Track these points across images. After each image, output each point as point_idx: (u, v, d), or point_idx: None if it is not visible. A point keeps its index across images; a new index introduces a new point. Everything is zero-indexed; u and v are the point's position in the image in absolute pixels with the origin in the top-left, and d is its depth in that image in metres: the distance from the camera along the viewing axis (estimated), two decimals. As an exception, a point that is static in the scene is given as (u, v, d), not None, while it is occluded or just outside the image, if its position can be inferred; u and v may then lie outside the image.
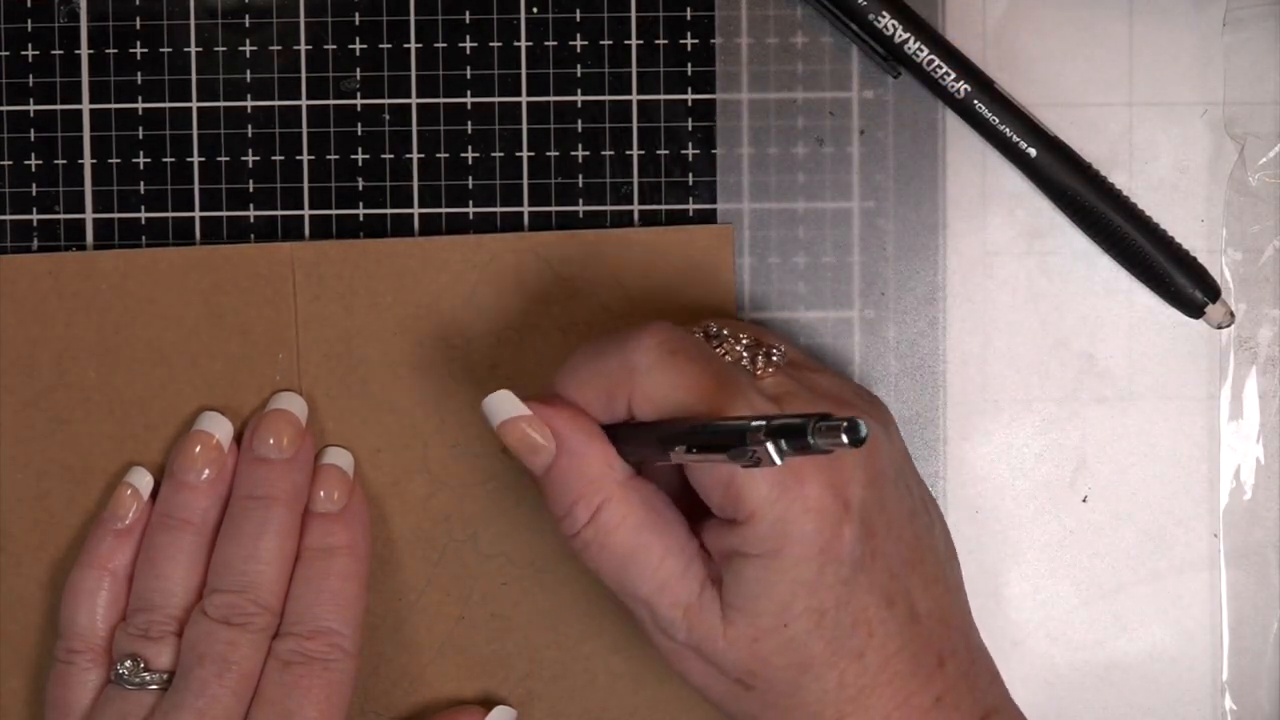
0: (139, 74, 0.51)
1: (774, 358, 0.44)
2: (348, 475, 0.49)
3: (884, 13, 0.48)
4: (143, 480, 0.49)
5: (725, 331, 0.44)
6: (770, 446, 0.36)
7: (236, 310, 0.50)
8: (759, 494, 0.40)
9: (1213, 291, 0.49)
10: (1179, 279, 0.49)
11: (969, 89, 0.48)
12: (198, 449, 0.48)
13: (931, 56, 0.48)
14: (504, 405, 0.43)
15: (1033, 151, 0.48)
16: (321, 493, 0.49)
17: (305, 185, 0.51)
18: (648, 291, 0.49)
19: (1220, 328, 0.49)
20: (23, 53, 0.51)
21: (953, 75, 0.48)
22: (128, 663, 0.47)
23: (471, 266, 0.50)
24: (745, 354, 0.44)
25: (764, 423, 0.37)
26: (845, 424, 0.35)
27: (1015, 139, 0.48)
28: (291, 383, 0.50)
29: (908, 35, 0.48)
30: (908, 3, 0.49)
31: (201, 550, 0.48)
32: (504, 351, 0.50)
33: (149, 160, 0.51)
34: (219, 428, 0.49)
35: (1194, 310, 0.49)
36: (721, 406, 0.40)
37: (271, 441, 0.48)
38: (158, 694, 0.47)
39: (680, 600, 0.42)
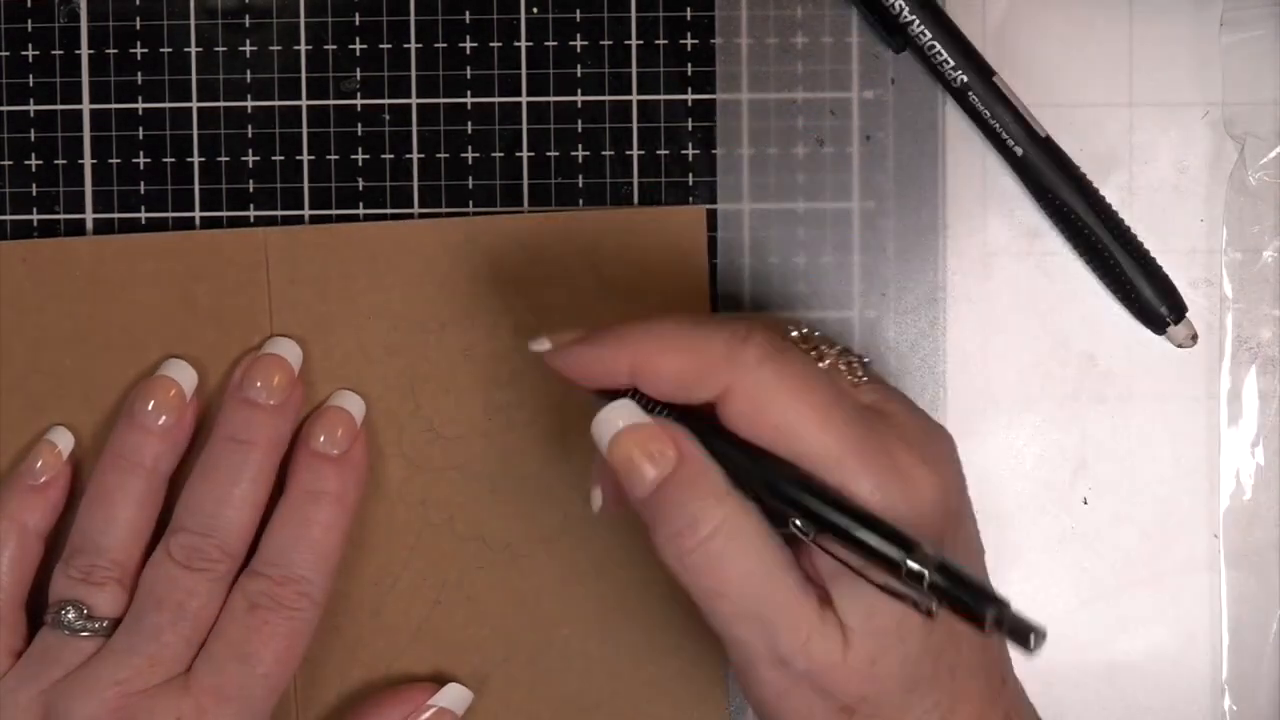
0: (139, 74, 0.51)
1: (868, 363, 0.43)
2: (355, 421, 0.49)
3: None
4: (64, 439, 0.49)
5: (817, 334, 0.43)
6: (927, 590, 0.36)
7: (211, 296, 0.50)
8: (869, 500, 0.39)
9: (1178, 310, 0.48)
10: (1146, 292, 0.48)
11: (965, 79, 0.48)
12: (158, 394, 0.48)
13: (933, 42, 0.48)
14: (628, 414, 0.41)
15: (1019, 150, 0.48)
16: (323, 436, 0.48)
17: (305, 185, 0.51)
18: (621, 272, 0.49)
19: (1181, 347, 0.49)
20: (23, 53, 0.51)
21: (951, 64, 0.48)
22: (69, 609, 0.46)
23: (445, 250, 0.50)
24: (841, 361, 0.42)
25: (932, 563, 0.36)
26: (1035, 633, 0.35)
27: (1004, 136, 0.48)
28: None
29: (913, 18, 0.48)
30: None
31: (149, 495, 0.48)
32: (478, 334, 0.50)
33: (149, 160, 0.51)
34: (183, 375, 0.49)
35: (1158, 326, 0.49)
36: (829, 412, 0.39)
37: (260, 384, 0.48)
38: (97, 641, 0.46)
39: (803, 625, 0.39)
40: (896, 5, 0.48)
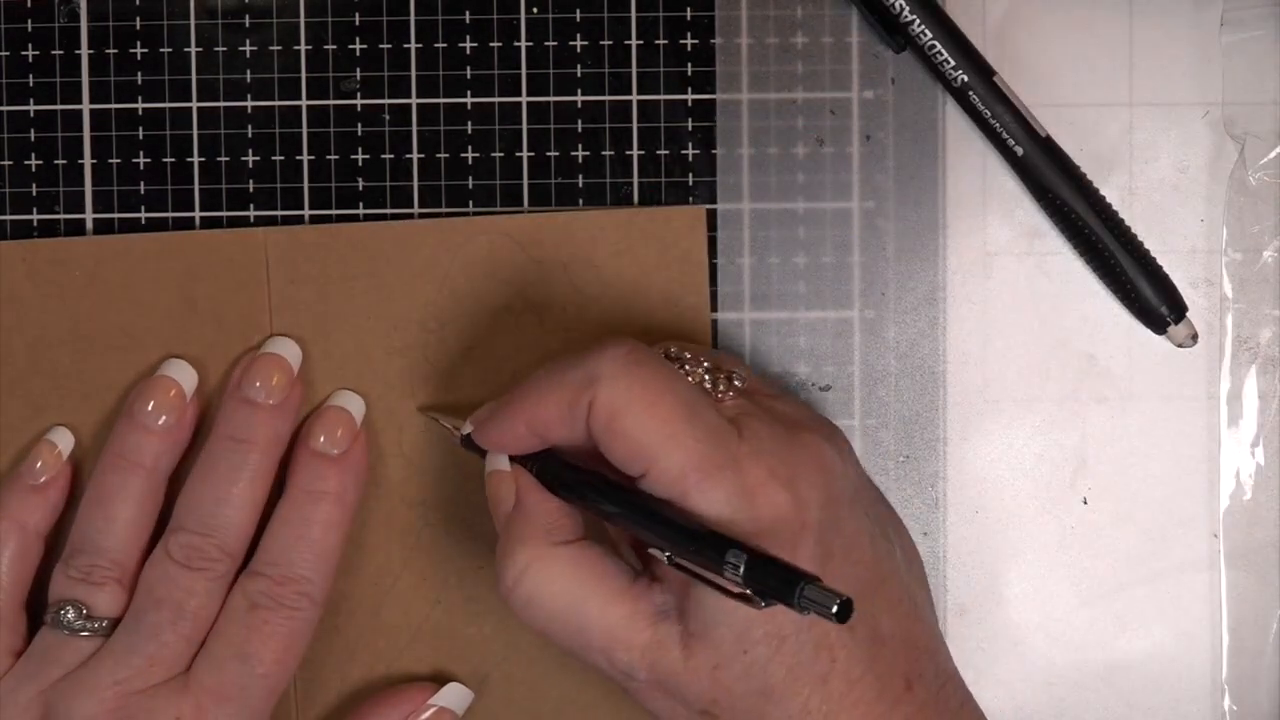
0: (139, 74, 0.51)
1: (735, 383, 0.44)
2: (355, 421, 0.49)
3: None
4: (64, 439, 0.49)
5: (686, 354, 0.45)
6: (742, 580, 0.38)
7: (210, 296, 0.50)
8: (713, 514, 0.40)
9: (1179, 310, 0.48)
10: (1146, 292, 0.48)
11: (965, 79, 0.48)
12: (158, 394, 0.48)
13: (933, 42, 0.48)
14: (496, 460, 0.45)
15: (1020, 150, 0.48)
16: (323, 436, 0.48)
17: (305, 185, 0.51)
18: (620, 272, 0.49)
19: (1181, 347, 0.49)
20: (23, 53, 0.51)
21: (951, 64, 0.48)
22: (69, 609, 0.46)
23: (445, 250, 0.50)
24: (706, 377, 0.44)
25: (743, 558, 0.38)
26: (839, 601, 0.36)
27: (1004, 135, 0.48)
28: None
29: (913, 17, 0.48)
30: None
31: (149, 495, 0.48)
32: (478, 334, 0.50)
33: (149, 160, 0.51)
34: (183, 375, 0.49)
35: (1158, 326, 0.49)
36: (677, 427, 0.41)
37: (259, 385, 0.48)
38: (97, 641, 0.46)
39: (633, 643, 0.42)
40: (896, 5, 0.48)
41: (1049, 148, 0.48)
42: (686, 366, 0.44)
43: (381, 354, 0.50)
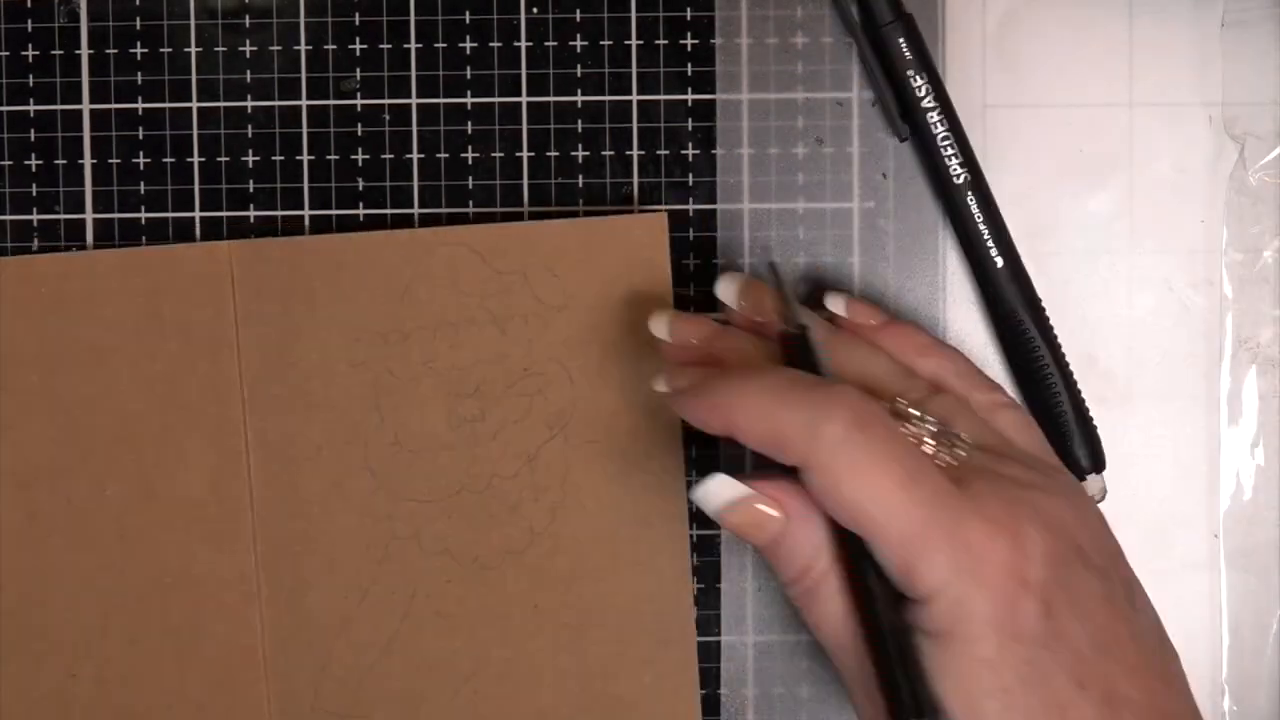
0: (139, 74, 0.51)
1: (959, 451, 0.43)
2: None
3: (923, 74, 0.48)
4: None
5: (914, 413, 0.43)
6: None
7: (176, 310, 0.50)
8: (937, 576, 0.39)
9: (1098, 463, 0.49)
10: (1073, 439, 0.49)
11: (968, 177, 0.48)
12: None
13: (947, 134, 0.48)
14: (724, 490, 0.42)
15: (1000, 261, 0.48)
16: None
17: (305, 185, 0.51)
18: (583, 282, 0.49)
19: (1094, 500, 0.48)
20: (23, 53, 0.51)
21: (958, 161, 0.48)
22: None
23: (406, 262, 0.50)
24: (930, 442, 0.43)
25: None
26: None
27: (989, 242, 0.49)
28: (232, 381, 0.50)
29: (935, 105, 0.48)
30: (910, 10, 0.49)
31: None
32: (440, 346, 0.50)
33: (149, 160, 0.51)
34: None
35: (1078, 474, 0.49)
36: (897, 495, 0.40)
37: None
38: None
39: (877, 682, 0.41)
40: (923, 88, 0.48)
41: (1020, 270, 0.49)
42: (911, 425, 0.43)
43: (345, 366, 0.50)
